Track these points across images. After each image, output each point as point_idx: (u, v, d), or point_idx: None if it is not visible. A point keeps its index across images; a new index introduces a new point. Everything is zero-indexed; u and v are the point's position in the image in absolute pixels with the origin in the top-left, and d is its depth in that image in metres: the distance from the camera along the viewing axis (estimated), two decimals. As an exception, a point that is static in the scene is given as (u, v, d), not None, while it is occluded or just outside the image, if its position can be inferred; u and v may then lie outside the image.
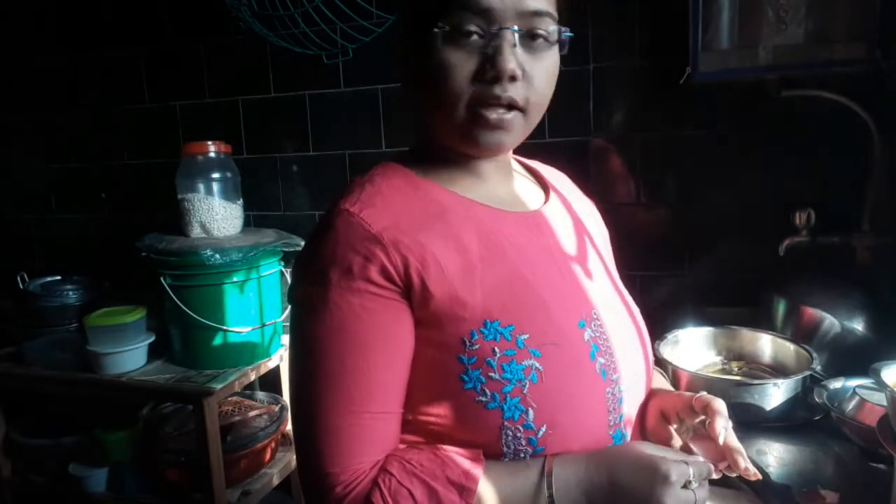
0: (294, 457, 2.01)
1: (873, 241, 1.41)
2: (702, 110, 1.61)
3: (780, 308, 1.39)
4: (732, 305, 1.55)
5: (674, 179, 1.69)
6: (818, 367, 1.19)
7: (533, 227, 0.77)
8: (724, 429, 0.70)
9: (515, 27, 0.66)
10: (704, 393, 0.75)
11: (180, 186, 1.84)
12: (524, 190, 0.84)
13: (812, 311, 1.32)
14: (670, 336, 1.34)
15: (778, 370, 1.27)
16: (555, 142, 1.72)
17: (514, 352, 0.67)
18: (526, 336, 0.68)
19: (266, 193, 2.08)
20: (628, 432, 0.75)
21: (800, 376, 1.15)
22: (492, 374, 0.66)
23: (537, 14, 0.67)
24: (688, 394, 0.77)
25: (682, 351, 1.34)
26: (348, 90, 1.94)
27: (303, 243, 1.90)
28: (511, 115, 0.69)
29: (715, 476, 0.72)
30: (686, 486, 0.66)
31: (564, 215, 0.84)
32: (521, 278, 0.71)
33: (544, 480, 0.66)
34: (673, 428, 0.77)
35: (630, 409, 0.75)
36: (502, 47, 0.65)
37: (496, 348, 0.66)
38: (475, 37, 0.66)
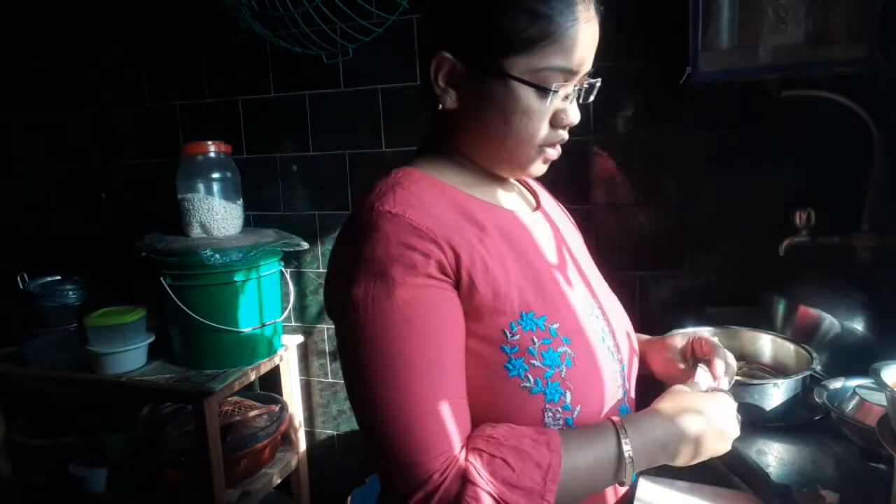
0: (294, 457, 2.02)
1: (873, 241, 1.41)
2: (702, 110, 1.61)
3: (780, 308, 1.38)
4: (732, 305, 1.55)
5: (674, 179, 1.69)
6: (818, 367, 1.19)
7: (538, 225, 0.85)
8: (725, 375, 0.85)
9: (586, 84, 0.79)
10: (706, 338, 0.89)
11: (180, 186, 1.84)
12: (521, 194, 0.92)
13: (812, 311, 1.32)
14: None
15: (778, 370, 1.27)
16: (555, 142, 1.72)
17: (550, 340, 0.74)
18: (556, 325, 0.75)
19: (266, 193, 2.08)
20: (631, 407, 0.85)
21: (800, 376, 1.14)
22: (534, 362, 0.72)
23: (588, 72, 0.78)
24: (679, 339, 0.93)
25: (682, 351, 1.34)
26: (348, 90, 1.93)
27: (303, 243, 1.90)
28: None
29: None
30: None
31: (555, 215, 0.94)
32: (542, 273, 0.79)
33: (619, 441, 0.71)
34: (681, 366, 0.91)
35: (631, 384, 0.86)
36: (575, 102, 0.78)
37: (535, 338, 0.73)
38: (561, 91, 0.75)
